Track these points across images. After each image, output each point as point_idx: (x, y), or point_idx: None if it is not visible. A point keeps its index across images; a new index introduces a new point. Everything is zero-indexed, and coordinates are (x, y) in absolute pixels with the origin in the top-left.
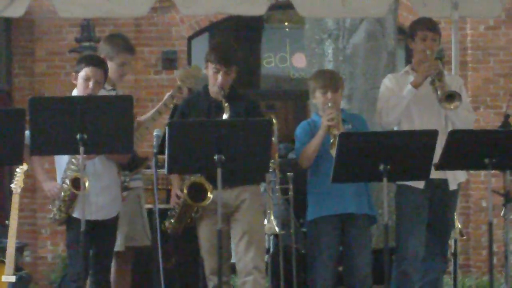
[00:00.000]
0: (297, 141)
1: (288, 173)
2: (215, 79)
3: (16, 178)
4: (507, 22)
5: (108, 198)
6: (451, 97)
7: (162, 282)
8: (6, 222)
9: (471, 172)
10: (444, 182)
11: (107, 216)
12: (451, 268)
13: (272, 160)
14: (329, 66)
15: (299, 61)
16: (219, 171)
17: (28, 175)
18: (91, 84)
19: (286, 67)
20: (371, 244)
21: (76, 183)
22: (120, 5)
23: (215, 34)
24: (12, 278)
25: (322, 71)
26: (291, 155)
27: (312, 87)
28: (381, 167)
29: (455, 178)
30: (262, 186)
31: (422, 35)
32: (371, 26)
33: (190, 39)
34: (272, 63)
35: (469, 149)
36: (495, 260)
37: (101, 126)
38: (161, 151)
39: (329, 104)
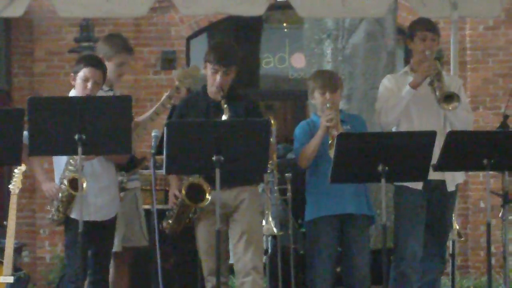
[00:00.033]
0: (296, 142)
1: (286, 174)
2: (214, 79)
3: (14, 179)
4: (506, 22)
5: (107, 199)
6: (449, 97)
7: (161, 283)
8: (4, 222)
9: (470, 173)
10: (442, 183)
11: (105, 217)
12: (449, 269)
13: (271, 161)
14: (328, 66)
15: (298, 61)
16: (217, 171)
17: (26, 175)
18: (89, 84)
19: (285, 67)
20: (370, 244)
21: (74, 183)
22: (119, 5)
23: (214, 34)
24: (10, 279)
25: (321, 71)
26: (290, 156)
27: (311, 87)
28: (380, 167)
29: (453, 179)
30: (261, 187)
31: (421, 35)
32: (370, 26)
33: (189, 39)
34: (271, 63)
35: (467, 150)
36: (493, 261)
37: (100, 126)
38: (159, 152)
39: (328, 105)
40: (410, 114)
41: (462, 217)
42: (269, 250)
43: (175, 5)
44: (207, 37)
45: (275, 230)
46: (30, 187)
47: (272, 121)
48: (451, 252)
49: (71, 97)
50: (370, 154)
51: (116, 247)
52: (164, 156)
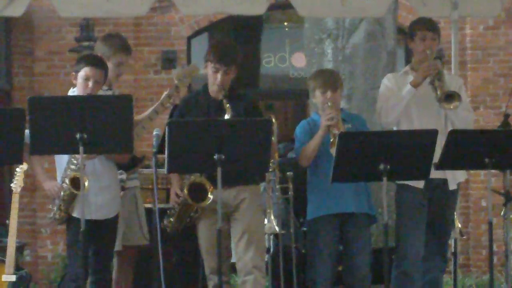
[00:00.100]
0: (297, 141)
1: (287, 173)
2: (215, 79)
3: (16, 178)
4: (506, 22)
5: (108, 198)
6: (450, 97)
7: (163, 282)
8: (6, 221)
9: (471, 171)
10: (444, 182)
11: (107, 215)
12: (451, 267)
13: (272, 160)
14: (328, 65)
15: (299, 60)
16: (219, 170)
17: (28, 174)
18: (90, 84)
19: (285, 66)
20: (371, 243)
21: (75, 182)
22: (119, 4)
23: (215, 34)
24: (12, 278)
25: (321, 70)
26: (291, 155)
27: (311, 86)
28: (381, 166)
29: (455, 178)
30: (262, 186)
31: (422, 35)
32: (370, 26)
33: (189, 39)
34: (271, 62)
35: (469, 148)
36: (495, 260)
37: (101, 125)
38: (160, 151)
39: (329, 104)
40: (411, 113)
41: (463, 215)
42: (271, 249)
43: (175, 5)
44: (208, 36)
45: (276, 229)
46: (31, 186)
47: (273, 120)
48: (453, 251)
49: (71, 96)
50: (372, 152)
51: (117, 246)
52: (165, 155)
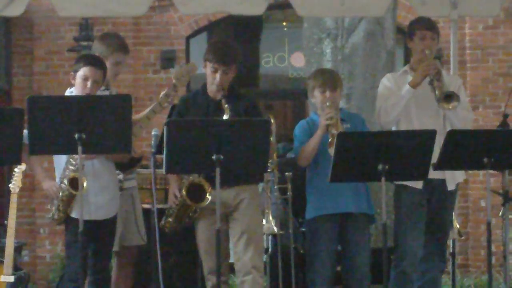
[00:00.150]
0: (296, 140)
1: (286, 173)
2: (214, 78)
3: (14, 178)
4: (506, 22)
5: (107, 198)
6: (449, 97)
7: (161, 282)
8: (5, 221)
9: (470, 171)
10: (442, 182)
11: (105, 216)
12: (449, 267)
13: (271, 160)
14: (327, 65)
15: (298, 60)
16: (217, 170)
17: (26, 174)
18: (89, 84)
19: (284, 66)
20: (370, 243)
21: (74, 183)
22: (118, 4)
23: (214, 33)
24: (11, 278)
25: (321, 70)
26: (290, 155)
27: (310, 86)
28: (380, 166)
29: (453, 178)
30: (261, 186)
31: (421, 34)
32: (370, 25)
33: (188, 38)
34: (270, 62)
35: (467, 149)
36: (493, 260)
37: (100, 125)
38: (159, 151)
39: (328, 103)
40: (410, 113)
41: (462, 216)
42: (270, 249)
43: (175, 4)
44: (207, 36)
45: (275, 229)
46: (30, 186)
47: (272, 120)
48: (451, 251)
49: (70, 96)
50: (370, 153)
51: (114, 246)
52: (164, 155)
